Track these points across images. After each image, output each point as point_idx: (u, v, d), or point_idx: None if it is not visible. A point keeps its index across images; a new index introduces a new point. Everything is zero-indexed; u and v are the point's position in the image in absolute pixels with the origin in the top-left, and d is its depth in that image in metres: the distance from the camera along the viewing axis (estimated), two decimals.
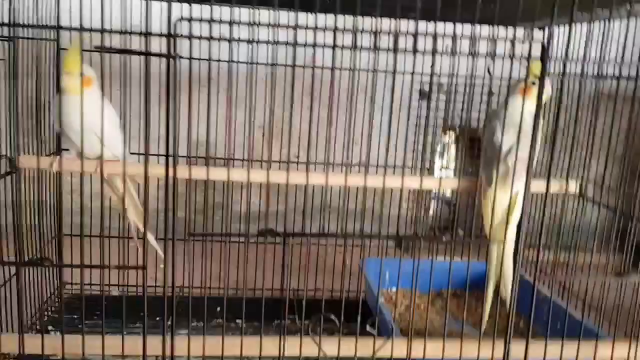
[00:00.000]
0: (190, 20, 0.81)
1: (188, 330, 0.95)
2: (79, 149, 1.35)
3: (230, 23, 0.83)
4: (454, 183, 1.49)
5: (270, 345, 0.98)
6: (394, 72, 1.10)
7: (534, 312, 1.00)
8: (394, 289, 1.76)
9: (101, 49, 0.79)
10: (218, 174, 1.41)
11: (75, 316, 1.71)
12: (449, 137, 2.73)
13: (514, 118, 1.27)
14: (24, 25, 1.35)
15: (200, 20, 0.82)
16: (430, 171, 2.48)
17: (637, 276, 1.15)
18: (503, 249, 1.30)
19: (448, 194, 2.73)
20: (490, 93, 1.31)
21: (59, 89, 1.33)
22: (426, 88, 2.49)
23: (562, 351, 0.99)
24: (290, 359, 0.99)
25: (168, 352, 0.94)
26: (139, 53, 0.80)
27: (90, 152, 1.35)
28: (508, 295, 1.32)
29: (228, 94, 0.98)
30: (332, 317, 0.92)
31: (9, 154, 1.36)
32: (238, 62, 1.30)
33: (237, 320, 1.76)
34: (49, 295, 1.70)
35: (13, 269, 1.21)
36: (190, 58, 0.89)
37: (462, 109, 2.05)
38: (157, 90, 1.00)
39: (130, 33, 0.82)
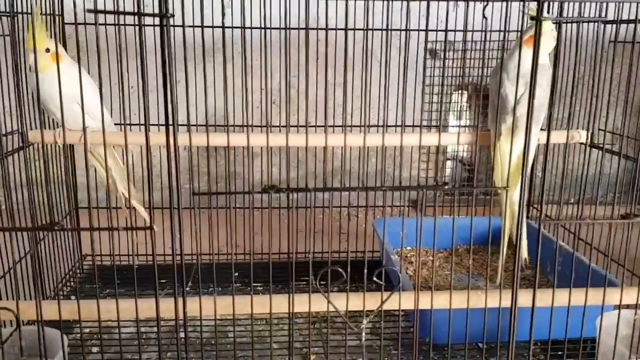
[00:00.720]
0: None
1: (199, 290, 0.97)
2: (61, 123, 1.38)
3: None
4: (470, 137, 1.47)
5: (281, 302, 0.99)
6: (407, 29, 1.08)
7: (539, 261, 1.00)
8: (408, 248, 1.77)
9: (94, 11, 0.79)
10: (237, 139, 1.39)
11: (97, 285, 1.75)
12: (462, 95, 2.70)
13: (519, 69, 1.25)
14: None
15: None
16: (445, 130, 2.46)
17: None
18: (521, 202, 1.28)
19: (462, 153, 2.71)
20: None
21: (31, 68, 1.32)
22: (435, 47, 2.46)
23: (569, 298, 0.99)
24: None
25: (181, 315, 0.96)
26: (132, 13, 0.80)
27: (74, 125, 1.36)
28: (522, 247, 1.32)
29: (242, 60, 0.97)
30: (340, 269, 0.93)
31: (19, 130, 1.38)
32: (251, 28, 1.29)
33: (255, 284, 1.78)
34: (69, 267, 1.74)
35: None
36: (203, 26, 0.89)
37: (470, 67, 2.02)
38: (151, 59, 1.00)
39: None
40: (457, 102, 2.53)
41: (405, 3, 0.94)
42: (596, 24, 1.34)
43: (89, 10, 0.79)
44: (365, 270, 0.92)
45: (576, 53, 1.12)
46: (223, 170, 2.37)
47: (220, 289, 1.76)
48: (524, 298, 0.99)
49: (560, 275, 1.52)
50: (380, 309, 0.97)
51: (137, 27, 0.83)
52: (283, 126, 2.32)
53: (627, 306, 1.12)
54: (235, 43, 1.35)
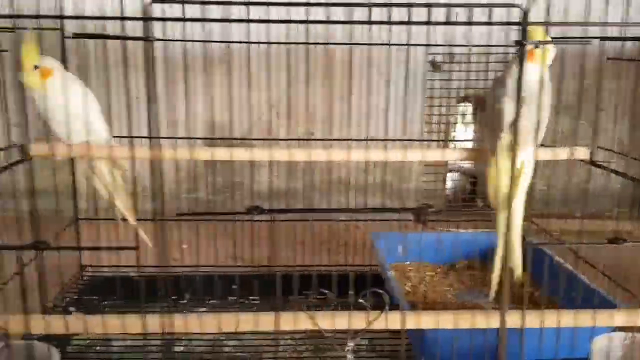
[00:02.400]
0: (164, 2, 0.81)
1: (186, 309, 0.97)
2: (59, 137, 1.38)
3: (203, 2, 0.83)
4: (461, 154, 1.46)
5: (267, 321, 0.99)
6: (408, 44, 1.08)
7: (548, 281, 0.99)
8: (407, 262, 1.76)
9: (80, 36, 0.80)
10: (240, 154, 1.39)
11: (94, 297, 1.76)
12: (464, 108, 2.70)
13: (516, 85, 1.23)
14: (25, 17, 1.37)
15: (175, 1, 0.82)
16: (446, 143, 2.45)
17: None
18: (509, 218, 1.28)
19: (465, 165, 2.70)
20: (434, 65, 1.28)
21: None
22: (437, 59, 2.45)
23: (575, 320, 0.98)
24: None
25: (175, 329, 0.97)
26: (116, 37, 0.81)
27: (73, 138, 1.37)
28: (515, 264, 1.30)
29: (248, 75, 0.98)
30: (326, 292, 0.93)
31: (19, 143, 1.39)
32: (256, 42, 1.29)
33: (251, 297, 1.78)
34: (69, 278, 1.75)
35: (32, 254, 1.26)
36: (206, 41, 0.90)
37: (474, 79, 2.02)
38: (159, 74, 1.01)
39: (106, 18, 0.83)
40: (462, 115, 2.52)
41: (406, 18, 0.94)
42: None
43: (75, 35, 0.80)
44: (353, 291, 0.92)
45: (561, 72, 1.12)
46: (225, 180, 2.39)
47: (217, 301, 1.77)
48: (513, 319, 0.99)
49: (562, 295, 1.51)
50: (365, 329, 0.97)
51: (143, 45, 0.84)
52: (284, 139, 2.33)
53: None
54: (241, 57, 1.37)
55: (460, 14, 1.13)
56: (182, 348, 1.57)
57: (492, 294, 1.27)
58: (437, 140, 2.21)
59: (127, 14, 0.81)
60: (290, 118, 2.65)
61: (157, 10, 0.84)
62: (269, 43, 0.95)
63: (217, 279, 1.47)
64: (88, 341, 1.58)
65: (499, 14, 1.08)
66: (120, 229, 1.48)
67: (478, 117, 2.60)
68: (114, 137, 1.51)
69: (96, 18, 0.84)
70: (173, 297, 1.53)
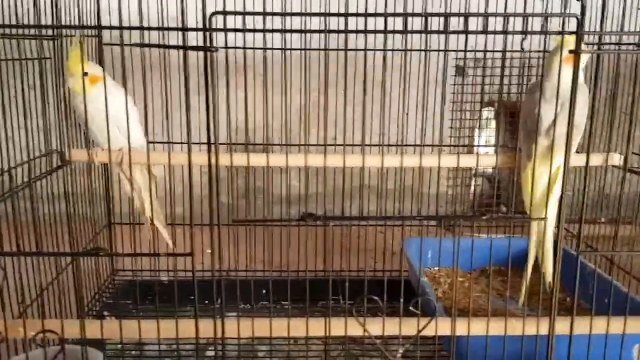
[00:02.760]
0: (224, 13, 0.83)
1: (238, 314, 0.99)
2: (98, 143, 1.42)
3: (264, 14, 0.85)
4: (492, 159, 1.48)
5: (317, 326, 1.00)
6: (426, 49, 1.09)
7: (578, 287, 1.00)
8: (436, 268, 1.77)
9: (141, 45, 0.82)
10: (258, 159, 1.42)
11: (129, 301, 1.78)
12: (488, 113, 2.70)
13: (555, 90, 1.23)
14: (67, 27, 1.39)
15: (235, 13, 0.84)
16: (469, 148, 2.46)
17: None
18: (544, 224, 1.28)
19: (489, 170, 2.70)
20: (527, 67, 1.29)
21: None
22: (461, 63, 2.47)
23: (608, 326, 0.99)
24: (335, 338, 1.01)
25: (219, 334, 0.98)
26: (177, 47, 0.82)
27: (107, 144, 1.38)
28: (548, 272, 1.31)
29: (264, 80, 1.00)
30: (376, 298, 0.94)
31: (59, 149, 1.41)
32: (272, 48, 1.31)
33: (283, 302, 1.79)
34: (102, 282, 1.76)
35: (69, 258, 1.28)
36: (227, 47, 0.91)
37: (501, 84, 2.02)
38: (195, 80, 1.03)
39: (168, 29, 0.84)
40: (485, 119, 2.53)
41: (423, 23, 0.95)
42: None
43: (136, 44, 0.82)
44: (402, 299, 0.93)
45: (616, 81, 1.12)
46: (244, 184, 2.40)
47: (248, 306, 1.78)
48: (562, 325, 0.99)
49: (591, 301, 1.51)
50: (417, 335, 0.98)
51: (181, 55, 0.85)
52: (302, 145, 2.33)
53: None
54: (257, 65, 1.38)
55: (496, 22, 1.15)
56: (212, 353, 1.59)
57: (522, 299, 1.28)
58: (461, 146, 2.22)
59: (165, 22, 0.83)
60: (312, 123, 2.66)
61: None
62: (305, 49, 0.96)
63: (249, 284, 1.49)
64: (120, 346, 1.59)
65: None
66: (143, 231, 1.49)
67: (502, 123, 2.60)
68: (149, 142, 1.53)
69: (157, 29, 0.85)
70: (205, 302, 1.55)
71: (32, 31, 1.29)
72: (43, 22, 1.24)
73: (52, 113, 1.39)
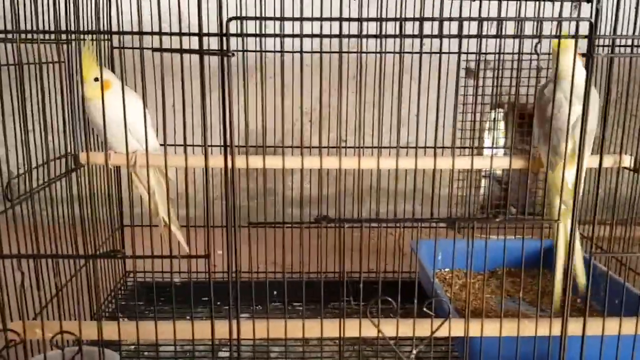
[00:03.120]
0: (241, 19, 0.84)
1: (252, 314, 1.00)
2: (112, 147, 1.43)
3: (282, 19, 0.86)
4: (505, 161, 1.48)
5: (331, 327, 1.01)
6: (440, 52, 1.10)
7: (590, 288, 1.00)
8: (447, 269, 1.77)
9: (159, 50, 0.83)
10: (273, 162, 1.43)
11: (141, 303, 1.79)
12: (498, 114, 2.70)
13: (576, 91, 1.23)
14: (83, 32, 1.40)
15: (252, 18, 0.85)
16: (480, 150, 2.46)
17: None
18: (572, 227, 1.27)
19: (498, 171, 2.70)
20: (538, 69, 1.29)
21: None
22: (472, 65, 2.47)
23: (620, 327, 0.99)
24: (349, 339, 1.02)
25: (234, 336, 0.99)
26: (194, 52, 0.83)
27: (123, 148, 1.40)
28: (579, 275, 1.31)
29: (280, 83, 1.01)
30: (390, 299, 0.95)
31: (74, 152, 1.43)
32: (287, 52, 1.31)
33: (295, 303, 1.80)
34: (116, 283, 1.78)
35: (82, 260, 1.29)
36: (244, 51, 0.92)
37: (510, 85, 2.02)
38: (211, 84, 1.04)
39: (186, 34, 0.85)
40: (494, 121, 2.53)
41: (437, 25, 0.96)
42: None
43: (154, 49, 0.83)
44: (416, 301, 0.93)
45: (628, 83, 1.13)
46: (255, 186, 2.40)
47: (260, 307, 1.79)
48: (574, 326, 1.00)
49: (603, 303, 1.51)
50: (431, 337, 0.98)
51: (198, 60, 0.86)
52: (316, 147, 2.35)
53: None
54: (269, 67, 1.39)
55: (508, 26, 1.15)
56: (227, 354, 1.60)
57: (557, 302, 1.27)
58: (471, 147, 2.22)
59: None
60: (324, 125, 2.67)
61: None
62: (320, 52, 0.97)
63: (262, 285, 1.50)
64: (134, 347, 1.61)
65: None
66: (156, 233, 1.51)
67: (513, 124, 2.60)
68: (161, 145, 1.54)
69: (176, 34, 0.86)
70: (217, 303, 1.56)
71: (51, 35, 1.31)
72: (62, 27, 1.26)
73: (67, 116, 1.42)
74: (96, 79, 1.30)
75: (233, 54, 0.84)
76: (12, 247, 1.05)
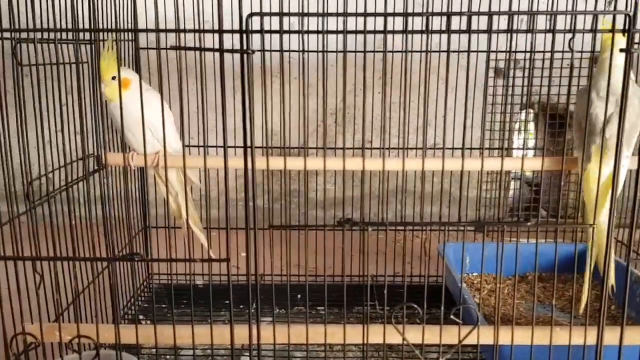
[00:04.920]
0: (261, 15, 0.81)
1: (272, 319, 0.97)
2: (133, 147, 1.42)
3: (301, 14, 0.83)
4: (536, 163, 1.42)
5: (354, 333, 0.98)
6: (468, 50, 1.06)
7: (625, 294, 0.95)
8: (475, 274, 1.72)
9: (177, 48, 0.81)
10: (295, 163, 1.40)
11: (164, 305, 1.78)
12: (528, 115, 2.63)
13: (612, 87, 1.17)
14: (104, 30, 1.40)
15: (271, 14, 0.82)
16: (509, 151, 2.40)
17: None
18: (609, 231, 1.22)
19: (528, 173, 2.64)
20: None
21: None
22: (501, 65, 2.41)
23: None
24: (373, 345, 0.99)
25: (255, 340, 0.96)
26: (214, 50, 0.81)
27: (142, 149, 1.38)
28: (611, 279, 1.25)
29: (300, 83, 0.98)
30: (415, 306, 0.91)
31: (96, 152, 1.42)
32: (309, 51, 1.29)
33: (318, 307, 1.77)
34: (137, 285, 1.77)
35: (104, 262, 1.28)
36: (263, 50, 0.90)
37: (541, 85, 1.96)
38: (231, 83, 1.01)
39: (204, 31, 0.83)
40: (524, 122, 2.47)
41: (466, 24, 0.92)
42: None
43: (172, 47, 0.80)
44: (442, 307, 0.90)
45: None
46: (279, 188, 2.39)
47: (282, 310, 1.77)
48: (610, 335, 0.95)
49: (636, 309, 1.45)
50: (459, 345, 0.94)
51: (217, 58, 0.84)
52: (340, 148, 2.32)
53: None
54: (293, 67, 1.37)
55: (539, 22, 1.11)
56: (247, 358, 1.57)
57: (583, 307, 1.22)
58: (500, 149, 2.17)
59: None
60: (349, 125, 2.64)
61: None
62: (344, 51, 0.94)
63: (284, 288, 1.47)
64: (155, 350, 1.59)
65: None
66: (179, 234, 1.49)
67: (543, 125, 2.54)
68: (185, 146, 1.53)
69: (194, 31, 0.84)
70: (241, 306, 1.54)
71: (69, 35, 1.30)
72: (80, 26, 1.24)
73: (89, 117, 1.41)
74: (113, 78, 1.28)
75: (253, 52, 0.81)
76: (32, 249, 1.05)
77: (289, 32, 0.87)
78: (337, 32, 0.94)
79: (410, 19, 0.96)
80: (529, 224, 0.92)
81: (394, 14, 0.91)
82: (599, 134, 1.22)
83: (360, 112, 2.39)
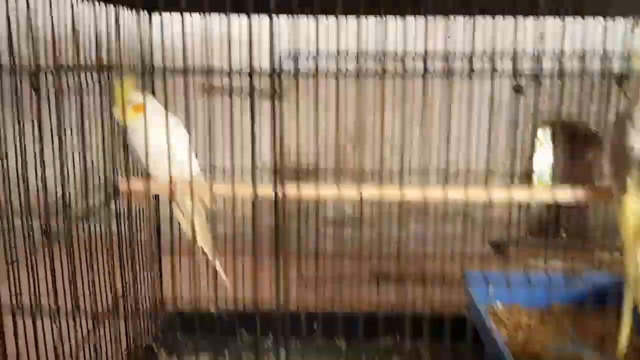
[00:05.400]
0: (295, 58, 0.78)
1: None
2: (149, 172, 1.36)
3: (338, 55, 0.79)
4: (567, 194, 1.36)
5: None
6: (492, 71, 1.03)
7: None
8: (498, 304, 1.67)
9: (208, 89, 0.77)
10: (328, 191, 1.34)
11: (182, 333, 1.72)
12: (544, 133, 2.58)
13: None
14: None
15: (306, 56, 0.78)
16: (529, 177, 2.35)
17: None
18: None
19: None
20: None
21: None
22: (520, 82, 2.36)
23: None
24: None
25: None
26: (244, 92, 0.77)
27: (161, 174, 1.34)
28: None
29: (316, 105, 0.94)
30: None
31: (113, 180, 1.38)
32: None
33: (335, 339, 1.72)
34: (153, 313, 1.72)
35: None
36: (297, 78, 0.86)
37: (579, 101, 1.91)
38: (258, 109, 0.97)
39: (236, 72, 0.79)
40: (544, 143, 2.42)
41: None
42: None
43: (204, 87, 0.77)
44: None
45: None
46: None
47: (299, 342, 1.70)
48: None
49: None
50: None
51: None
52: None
53: None
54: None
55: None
56: None
57: (622, 347, 1.17)
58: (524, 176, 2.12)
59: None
60: (367, 150, 2.60)
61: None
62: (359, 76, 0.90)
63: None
64: None
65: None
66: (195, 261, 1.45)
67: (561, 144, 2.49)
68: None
69: (224, 72, 0.80)
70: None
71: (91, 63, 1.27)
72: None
73: (107, 144, 1.37)
74: (128, 102, 1.25)
75: (282, 95, 0.77)
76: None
77: (325, 75, 0.83)
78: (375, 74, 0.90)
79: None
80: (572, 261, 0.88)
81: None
82: (637, 167, 1.18)
83: (378, 136, 2.35)
